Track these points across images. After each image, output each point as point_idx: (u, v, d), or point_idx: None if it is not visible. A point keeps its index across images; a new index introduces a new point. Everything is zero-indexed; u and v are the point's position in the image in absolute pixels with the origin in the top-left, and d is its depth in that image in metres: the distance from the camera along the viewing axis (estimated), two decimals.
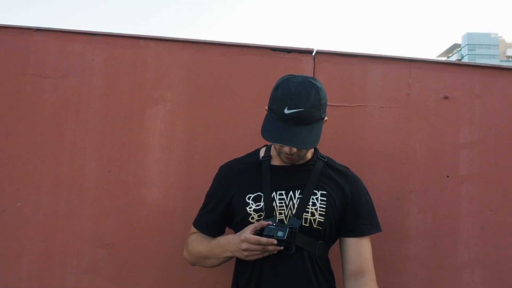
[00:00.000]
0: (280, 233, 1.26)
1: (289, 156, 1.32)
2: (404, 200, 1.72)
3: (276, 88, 1.29)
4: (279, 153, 1.35)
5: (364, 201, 1.40)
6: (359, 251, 1.37)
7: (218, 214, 1.44)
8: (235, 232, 1.40)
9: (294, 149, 1.29)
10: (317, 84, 1.29)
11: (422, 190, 1.73)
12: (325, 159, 1.43)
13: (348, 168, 1.45)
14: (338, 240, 1.43)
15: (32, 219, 1.73)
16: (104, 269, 1.73)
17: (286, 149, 1.29)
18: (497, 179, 1.73)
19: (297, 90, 1.25)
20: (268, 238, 1.25)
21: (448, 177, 1.73)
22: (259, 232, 1.29)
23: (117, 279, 1.72)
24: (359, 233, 1.38)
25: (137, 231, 1.73)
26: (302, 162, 1.40)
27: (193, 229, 1.50)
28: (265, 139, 1.26)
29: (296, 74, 1.33)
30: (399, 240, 1.71)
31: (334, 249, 1.49)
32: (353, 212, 1.38)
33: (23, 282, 1.71)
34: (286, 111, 1.23)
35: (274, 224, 1.29)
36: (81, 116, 1.77)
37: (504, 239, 1.71)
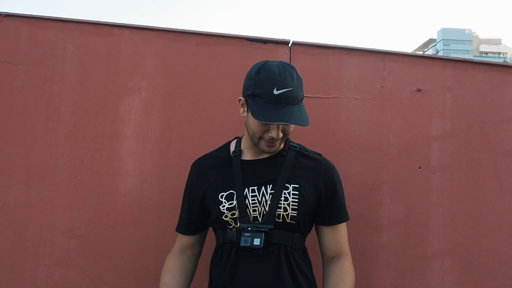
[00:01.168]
0: (256, 241, 1.28)
1: (272, 143, 1.31)
2: (377, 190, 1.75)
3: (257, 73, 1.27)
4: (259, 140, 1.31)
5: (338, 189, 1.41)
6: (335, 238, 1.40)
7: (195, 213, 1.43)
8: (214, 231, 1.41)
9: (281, 134, 1.29)
10: (293, 66, 1.31)
11: (394, 181, 1.76)
12: (297, 148, 1.42)
13: (320, 155, 1.45)
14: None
15: (2, 210, 1.70)
16: (76, 260, 1.70)
17: (274, 133, 1.28)
18: (467, 171, 1.77)
19: (280, 72, 1.25)
20: (244, 248, 1.28)
21: (420, 168, 1.76)
22: (236, 237, 1.31)
23: (90, 271, 1.70)
24: (334, 221, 1.40)
25: (111, 222, 1.72)
26: (273, 153, 1.39)
27: (178, 238, 1.49)
28: (263, 121, 1.24)
29: (269, 60, 1.33)
30: (372, 230, 1.74)
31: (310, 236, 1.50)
32: (327, 202, 1.39)
33: None
34: (275, 91, 1.23)
35: (249, 229, 1.29)
36: (53, 105, 1.73)
37: (473, 229, 1.75)
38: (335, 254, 1.40)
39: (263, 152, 1.35)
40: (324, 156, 1.45)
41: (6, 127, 1.71)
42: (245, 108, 1.33)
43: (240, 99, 1.35)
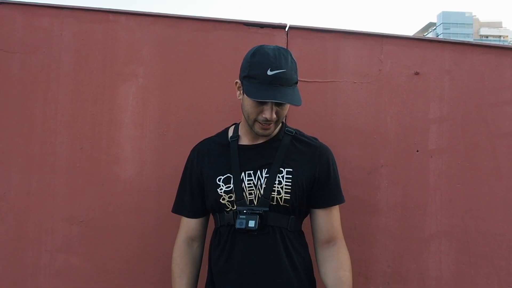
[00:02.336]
0: (251, 223, 1.31)
1: (267, 125, 1.33)
2: (375, 174, 1.76)
3: (252, 55, 1.31)
4: (253, 123, 1.33)
5: (332, 172, 1.42)
6: (329, 221, 1.41)
7: (199, 195, 1.45)
8: (212, 214, 1.43)
9: (274, 116, 1.31)
10: (288, 50, 1.34)
11: (392, 165, 1.77)
12: (293, 133, 1.44)
13: (316, 139, 1.46)
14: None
15: (3, 198, 1.71)
16: (78, 246, 1.73)
17: (267, 114, 1.30)
18: (465, 154, 1.78)
19: (274, 54, 1.28)
20: (240, 230, 1.31)
21: (418, 151, 1.77)
22: (233, 220, 1.33)
23: (92, 257, 1.72)
24: (328, 203, 1.41)
25: (111, 209, 1.73)
26: (269, 138, 1.41)
27: (183, 225, 1.49)
28: (256, 99, 1.27)
29: (265, 44, 1.35)
30: (370, 213, 1.76)
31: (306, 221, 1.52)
32: (321, 185, 1.40)
33: None
34: (269, 72, 1.26)
35: (245, 211, 1.32)
36: (51, 93, 1.73)
37: (470, 211, 1.77)
38: (330, 238, 1.41)
39: (258, 135, 1.37)
40: (319, 140, 1.46)
41: (4, 116, 1.72)
42: (241, 91, 1.36)
43: (236, 82, 1.38)
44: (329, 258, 1.39)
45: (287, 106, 1.34)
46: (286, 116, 1.71)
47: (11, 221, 1.71)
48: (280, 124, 1.41)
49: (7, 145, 1.71)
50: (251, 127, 1.36)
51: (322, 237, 1.41)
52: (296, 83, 1.32)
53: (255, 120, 1.33)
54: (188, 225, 1.48)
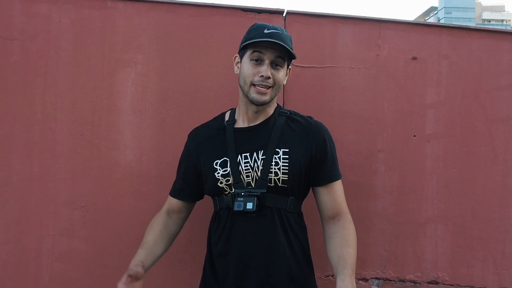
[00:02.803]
0: (249, 205, 1.33)
1: (263, 89, 1.36)
2: (372, 159, 1.78)
3: (250, 27, 1.42)
4: (249, 88, 1.36)
5: (328, 148, 1.42)
6: (332, 197, 1.42)
7: (191, 180, 1.49)
8: (212, 197, 1.46)
9: (269, 74, 1.35)
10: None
11: (389, 149, 1.78)
12: (287, 113, 1.45)
13: (311, 117, 1.46)
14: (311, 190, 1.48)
15: (5, 183, 1.74)
16: (80, 231, 1.76)
17: (263, 72, 1.34)
18: (462, 138, 1.78)
19: (272, 25, 1.38)
20: (238, 212, 1.34)
21: (415, 136, 1.78)
22: (232, 203, 1.36)
23: (94, 241, 1.76)
24: (328, 180, 1.42)
25: (111, 194, 1.76)
26: (263, 119, 1.42)
27: (168, 200, 1.55)
28: (255, 39, 1.33)
29: None
30: (367, 198, 1.78)
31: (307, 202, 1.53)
32: (319, 162, 1.41)
33: (0, 246, 1.73)
34: (266, 31, 1.35)
35: (243, 194, 1.34)
36: (50, 79, 1.75)
37: (466, 195, 1.78)
38: (335, 214, 1.42)
39: (254, 102, 1.38)
40: (314, 119, 1.46)
41: (5, 103, 1.73)
42: (239, 63, 1.41)
43: (235, 56, 1.43)
44: (334, 235, 1.40)
45: (283, 71, 1.39)
46: (283, 102, 1.73)
47: (14, 206, 1.74)
48: (276, 93, 1.41)
49: (8, 131, 1.74)
50: (247, 95, 1.38)
51: (327, 213, 1.43)
52: (291, 56, 1.38)
53: (252, 84, 1.36)
54: (172, 203, 1.54)
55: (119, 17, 1.76)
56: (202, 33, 1.77)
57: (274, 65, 1.36)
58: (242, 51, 1.40)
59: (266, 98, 1.37)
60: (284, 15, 1.77)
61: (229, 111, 1.51)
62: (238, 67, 1.42)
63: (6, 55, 1.73)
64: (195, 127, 1.54)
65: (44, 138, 1.74)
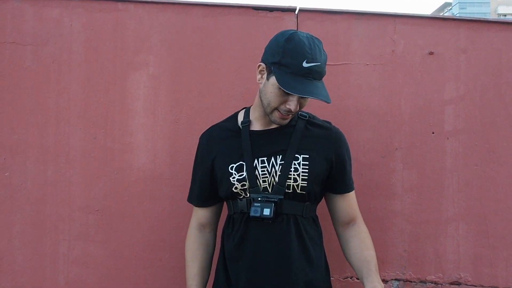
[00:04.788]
0: (266, 211, 1.29)
1: (287, 116, 1.30)
2: (389, 157, 1.73)
3: (287, 41, 1.23)
4: (273, 111, 1.29)
5: (347, 158, 1.40)
6: (348, 204, 1.41)
7: (208, 185, 1.43)
8: (225, 201, 1.43)
9: (298, 108, 1.28)
10: (321, 41, 1.29)
11: (407, 147, 1.73)
12: (306, 117, 1.40)
13: (329, 123, 1.43)
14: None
15: (21, 188, 1.74)
16: (95, 235, 1.75)
17: (292, 106, 1.25)
18: (482, 134, 1.73)
19: (310, 44, 1.23)
20: (254, 218, 1.29)
21: (433, 133, 1.73)
22: (247, 207, 1.32)
23: (109, 244, 1.75)
24: (346, 189, 1.40)
25: (126, 197, 1.75)
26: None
27: (194, 213, 1.50)
28: (291, 92, 1.21)
29: (296, 30, 1.31)
30: (385, 197, 1.74)
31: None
32: (338, 171, 1.38)
33: (16, 251, 1.74)
34: (305, 64, 1.21)
35: (259, 199, 1.30)
36: (63, 83, 1.74)
37: (488, 192, 1.73)
38: (350, 219, 1.41)
39: (275, 123, 1.34)
40: (333, 124, 1.43)
41: (19, 108, 1.74)
42: (264, 76, 1.30)
43: (260, 65, 1.31)
44: (351, 239, 1.39)
45: (309, 98, 1.29)
46: None
47: (29, 211, 1.74)
48: None
49: (22, 136, 1.74)
50: (268, 114, 1.32)
51: (342, 219, 1.42)
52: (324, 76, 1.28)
53: (276, 109, 1.29)
54: (199, 213, 1.49)
55: (130, 19, 1.75)
56: (213, 33, 1.75)
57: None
58: (273, 66, 1.26)
59: (287, 121, 1.34)
60: (296, 12, 1.74)
61: (243, 110, 1.45)
62: (262, 77, 1.31)
63: (19, 61, 1.74)
64: (206, 129, 1.49)
65: (58, 143, 1.74)
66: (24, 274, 1.73)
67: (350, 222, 1.41)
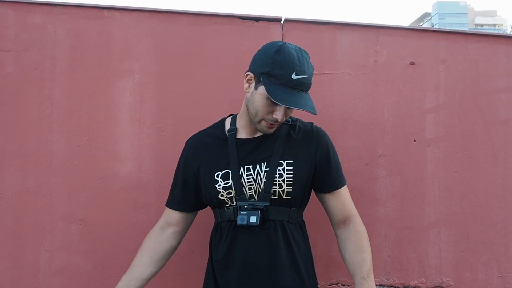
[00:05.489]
0: (252, 219, 1.30)
1: (274, 125, 1.32)
2: (373, 164, 1.77)
3: (276, 53, 1.25)
4: (260, 120, 1.31)
5: (331, 155, 1.41)
6: (340, 202, 1.42)
7: (191, 190, 1.44)
8: (212, 209, 1.42)
9: (284, 118, 1.30)
10: (308, 53, 1.32)
11: (390, 155, 1.77)
12: (289, 122, 1.41)
13: (311, 123, 1.44)
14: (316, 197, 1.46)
15: (1, 197, 1.70)
16: (78, 245, 1.72)
17: (279, 116, 1.27)
18: (462, 142, 1.79)
19: (298, 57, 1.26)
20: (241, 226, 1.30)
21: (415, 141, 1.78)
22: (234, 215, 1.33)
23: (93, 254, 1.72)
24: (335, 187, 1.41)
25: (110, 206, 1.72)
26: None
27: (166, 213, 1.49)
28: (280, 103, 1.22)
29: (284, 41, 1.33)
30: (369, 204, 1.77)
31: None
32: (323, 170, 1.39)
33: None
34: (294, 76, 1.24)
35: (246, 207, 1.31)
36: (46, 90, 1.72)
37: (468, 199, 1.78)
38: (345, 218, 1.42)
39: (261, 132, 1.35)
40: (314, 125, 1.44)
41: (0, 115, 1.70)
42: (252, 85, 1.31)
43: (248, 74, 1.32)
44: (347, 241, 1.40)
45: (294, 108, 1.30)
46: None
47: (9, 221, 1.70)
48: None
49: (3, 144, 1.70)
50: (255, 123, 1.33)
51: (337, 218, 1.42)
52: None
53: (263, 119, 1.31)
54: (170, 215, 1.48)
55: (116, 27, 1.74)
56: (200, 41, 1.76)
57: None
58: (262, 76, 1.27)
59: (274, 130, 1.36)
60: (282, 22, 1.77)
61: (229, 117, 1.46)
62: (249, 86, 1.32)
63: (0, 67, 1.70)
64: (193, 134, 1.49)
65: (40, 151, 1.71)
66: (3, 286, 1.68)
67: (346, 220, 1.41)
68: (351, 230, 1.40)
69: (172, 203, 1.48)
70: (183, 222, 1.49)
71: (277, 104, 1.26)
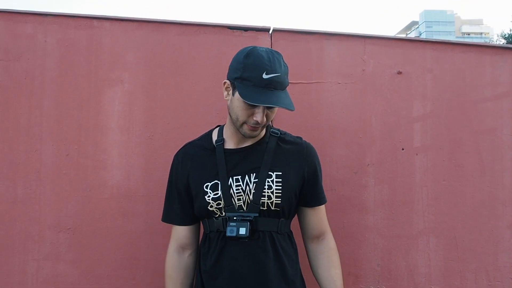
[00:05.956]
0: (242, 230, 1.30)
1: (256, 127, 1.32)
2: (362, 173, 1.78)
3: (246, 57, 1.28)
4: (242, 124, 1.32)
5: (318, 172, 1.43)
6: (319, 217, 1.44)
7: (186, 203, 1.43)
8: (201, 219, 1.42)
9: (265, 119, 1.30)
10: (280, 53, 1.33)
11: (378, 163, 1.78)
12: (278, 134, 1.42)
13: (300, 138, 1.46)
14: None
15: None
16: (66, 254, 1.71)
17: (258, 117, 1.28)
18: (449, 150, 1.80)
19: (269, 57, 1.27)
20: (231, 238, 1.31)
21: (403, 149, 1.79)
22: (223, 226, 1.33)
23: (81, 263, 1.71)
24: (318, 202, 1.43)
25: (99, 215, 1.72)
26: (255, 141, 1.40)
27: (173, 233, 1.47)
28: (253, 103, 1.23)
29: (255, 45, 1.34)
30: (358, 212, 1.77)
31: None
32: (311, 184, 1.41)
33: None
34: (264, 76, 1.25)
35: (235, 218, 1.31)
36: (35, 99, 1.72)
37: (456, 207, 1.79)
38: (320, 233, 1.44)
39: (245, 136, 1.36)
40: (304, 139, 1.46)
41: None
42: (230, 92, 1.33)
43: (225, 82, 1.34)
44: (320, 256, 1.43)
45: (276, 109, 1.33)
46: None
47: None
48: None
49: None
50: (238, 128, 1.34)
51: (313, 232, 1.44)
52: (287, 86, 1.32)
53: (244, 123, 1.32)
54: (179, 233, 1.46)
55: (106, 36, 1.75)
56: (188, 51, 1.77)
57: (270, 107, 1.30)
58: (235, 81, 1.29)
59: (257, 133, 1.36)
60: (270, 32, 1.78)
61: (217, 128, 1.47)
62: (228, 94, 1.34)
63: None
64: (181, 147, 1.49)
65: (29, 159, 1.71)
66: None
67: (320, 236, 1.44)
68: (325, 246, 1.44)
69: (176, 219, 1.46)
70: (192, 236, 1.47)
71: (255, 106, 1.28)
